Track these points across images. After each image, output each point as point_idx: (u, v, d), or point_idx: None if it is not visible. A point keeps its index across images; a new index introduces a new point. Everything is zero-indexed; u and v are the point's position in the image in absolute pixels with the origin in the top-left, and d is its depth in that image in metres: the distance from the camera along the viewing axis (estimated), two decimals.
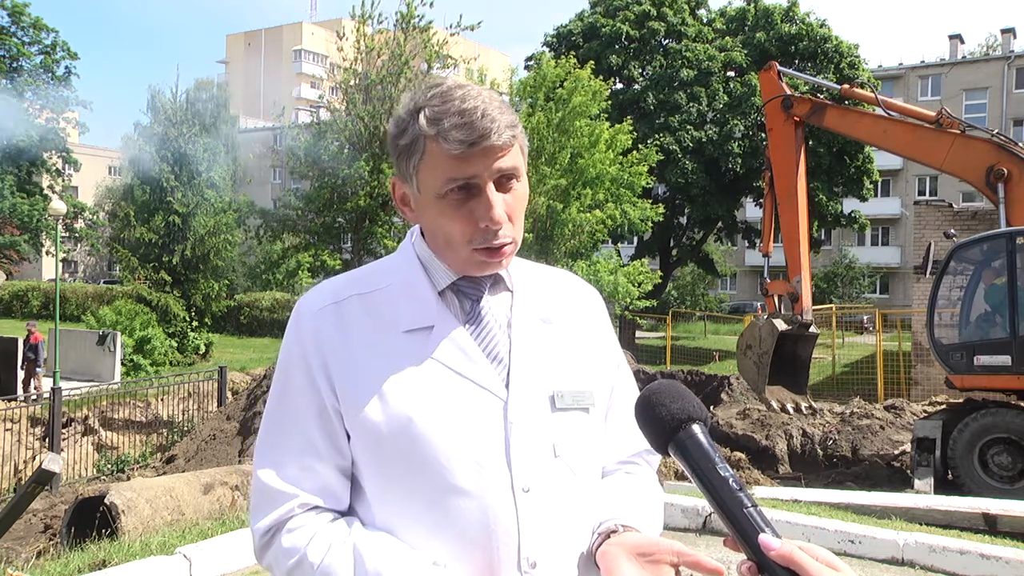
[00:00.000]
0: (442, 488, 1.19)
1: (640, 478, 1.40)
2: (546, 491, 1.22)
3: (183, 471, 9.48)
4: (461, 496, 1.19)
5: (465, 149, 1.18)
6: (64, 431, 12.82)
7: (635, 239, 31.01)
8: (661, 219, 22.79)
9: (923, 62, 48.02)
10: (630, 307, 21.04)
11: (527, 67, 27.99)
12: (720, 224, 31.35)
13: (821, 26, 28.87)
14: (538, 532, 1.21)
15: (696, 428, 1.06)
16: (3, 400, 13.73)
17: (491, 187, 1.20)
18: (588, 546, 1.27)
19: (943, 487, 8.76)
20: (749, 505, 0.98)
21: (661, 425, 1.07)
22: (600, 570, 1.21)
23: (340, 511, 1.26)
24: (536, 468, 1.22)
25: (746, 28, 30.29)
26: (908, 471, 9.60)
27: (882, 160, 32.23)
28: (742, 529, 0.98)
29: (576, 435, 1.28)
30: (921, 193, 43.78)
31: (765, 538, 0.95)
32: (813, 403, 12.45)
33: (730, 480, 1.01)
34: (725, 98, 28.56)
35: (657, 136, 25.92)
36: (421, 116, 1.21)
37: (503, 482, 1.20)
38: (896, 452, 10.37)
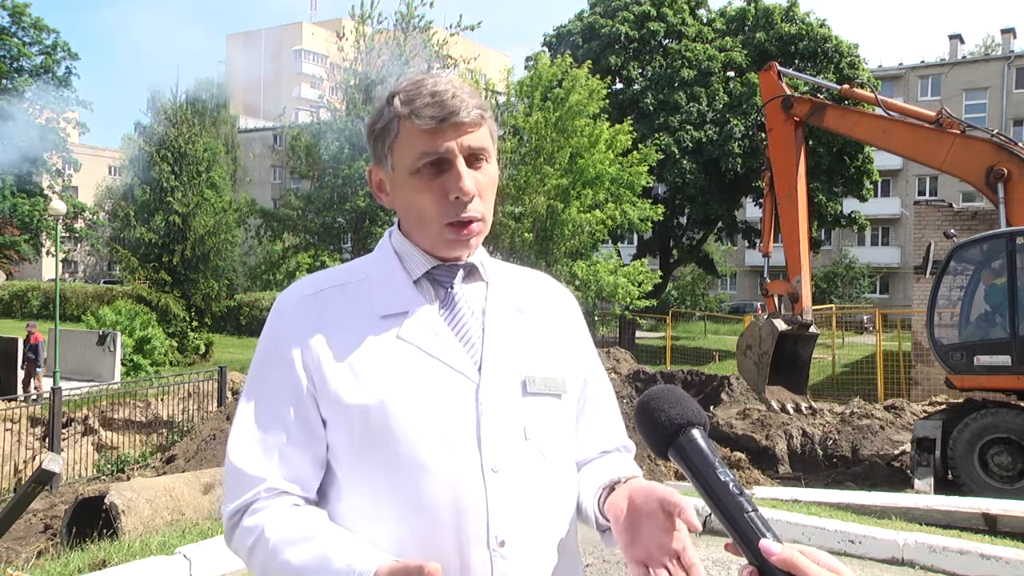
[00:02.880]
0: (412, 467, 1.22)
1: (624, 458, 1.45)
2: (515, 472, 1.25)
3: (183, 471, 9.48)
4: (431, 475, 1.22)
5: (436, 124, 1.25)
6: (64, 431, 12.80)
7: (635, 239, 30.99)
8: (661, 219, 22.79)
9: (923, 62, 48.01)
10: (630, 307, 21.04)
11: (527, 67, 27.98)
12: (720, 224, 31.36)
13: (821, 26, 28.87)
14: (507, 511, 1.23)
15: (696, 432, 1.07)
16: (3, 400, 13.72)
17: (461, 161, 1.27)
18: (593, 503, 1.31)
19: (943, 487, 8.76)
20: (750, 510, 0.99)
21: (661, 430, 1.08)
22: (610, 517, 1.24)
23: (307, 497, 1.29)
24: (506, 449, 1.25)
25: (746, 28, 30.28)
26: (908, 471, 9.61)
27: (882, 160, 32.22)
28: (743, 534, 0.98)
29: (547, 420, 1.31)
30: (921, 193, 43.78)
31: (766, 543, 0.95)
32: (813, 403, 12.45)
33: (730, 484, 1.01)
34: (725, 98, 28.55)
35: (657, 136, 25.92)
36: (395, 100, 1.29)
37: (472, 462, 1.23)
38: (896, 452, 10.38)
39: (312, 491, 1.30)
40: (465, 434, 1.24)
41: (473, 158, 1.28)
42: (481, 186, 1.29)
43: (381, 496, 1.23)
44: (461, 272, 1.34)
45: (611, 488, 1.29)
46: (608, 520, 1.26)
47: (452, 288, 1.33)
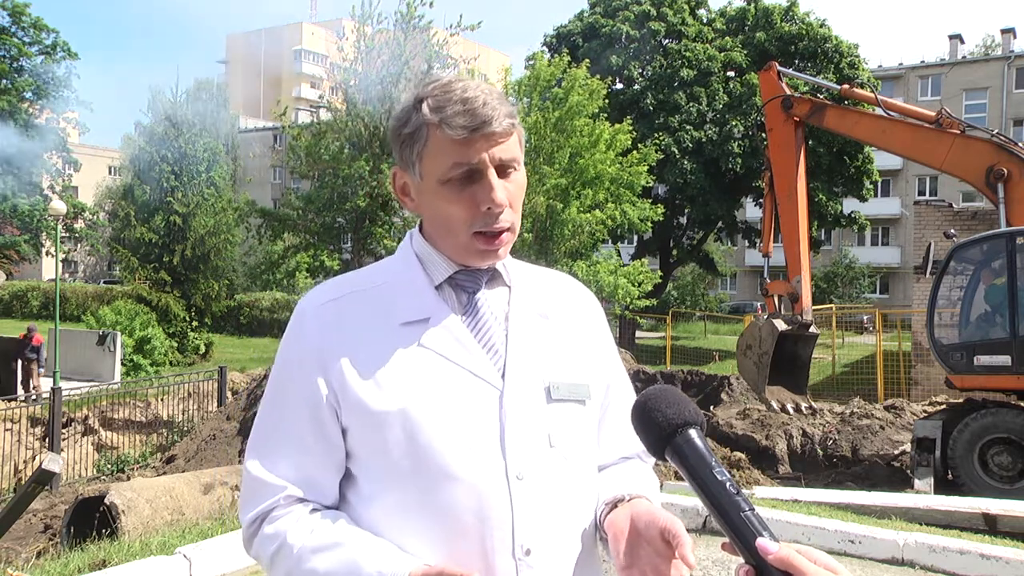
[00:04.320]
0: (437, 475, 1.21)
1: (640, 466, 1.43)
2: (540, 479, 1.24)
3: (183, 471, 9.49)
4: (455, 483, 1.20)
5: (468, 134, 1.22)
6: (64, 431, 12.81)
7: (635, 239, 30.97)
8: (661, 219, 22.79)
9: (923, 62, 48.00)
10: (630, 307, 21.04)
11: (527, 67, 27.99)
12: (720, 224, 31.35)
13: (821, 26, 28.86)
14: (532, 519, 1.22)
15: (692, 433, 1.07)
16: (3, 400, 13.73)
17: (492, 172, 1.24)
18: (594, 517, 1.30)
19: (943, 487, 8.75)
20: (746, 509, 0.99)
21: (658, 430, 1.08)
22: (608, 536, 1.23)
23: (326, 505, 1.28)
24: (530, 457, 1.24)
25: (746, 28, 30.27)
26: (908, 471, 9.60)
27: (882, 160, 32.22)
28: (740, 533, 0.98)
29: (571, 426, 1.30)
30: (921, 193, 43.78)
31: (763, 542, 0.95)
32: (813, 403, 12.44)
33: (727, 484, 1.01)
34: (725, 98, 28.54)
35: (657, 136, 25.91)
36: (424, 105, 1.26)
37: (497, 470, 1.22)
38: (896, 452, 10.37)
39: (331, 499, 1.29)
40: (489, 442, 1.23)
41: (503, 168, 1.26)
42: (511, 195, 1.27)
43: (405, 505, 1.22)
44: (484, 278, 1.33)
45: (614, 504, 1.27)
46: (607, 534, 1.25)
47: (475, 294, 1.32)
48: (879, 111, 11.81)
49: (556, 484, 1.25)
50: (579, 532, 1.28)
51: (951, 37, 48.66)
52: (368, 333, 1.27)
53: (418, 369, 1.24)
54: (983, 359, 9.15)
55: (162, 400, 14.18)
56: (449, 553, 1.20)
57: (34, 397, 16.83)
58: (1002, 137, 10.84)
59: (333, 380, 1.25)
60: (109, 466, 12.69)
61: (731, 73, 29.49)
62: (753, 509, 0.99)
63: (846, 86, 13.67)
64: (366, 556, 1.17)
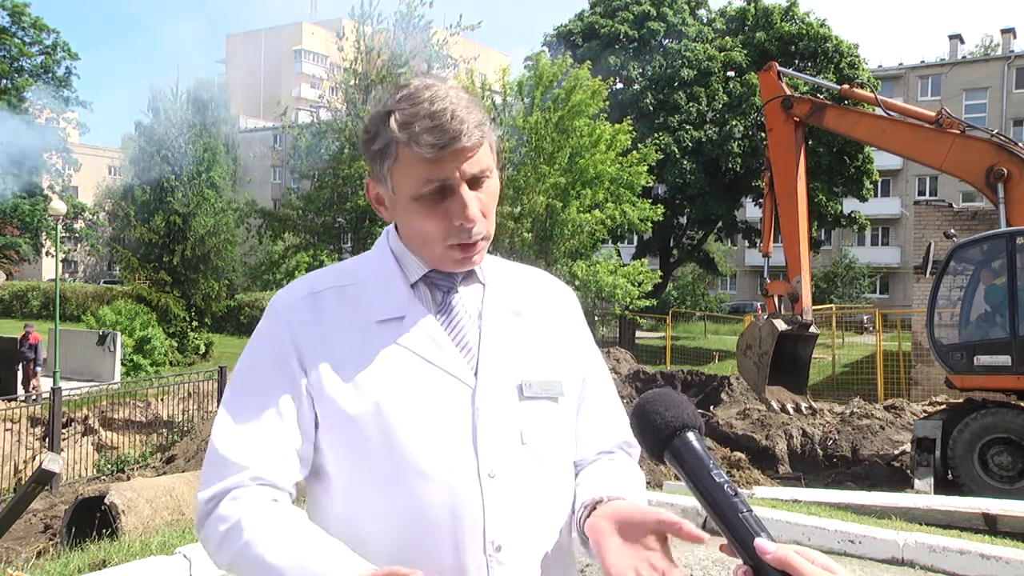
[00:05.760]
0: (408, 473, 1.21)
1: (621, 462, 1.42)
2: (512, 477, 1.24)
3: (183, 471, 9.49)
4: (427, 481, 1.21)
5: (437, 152, 1.20)
6: (64, 431, 12.78)
7: (635, 239, 30.97)
8: (661, 219, 22.79)
9: (923, 62, 48.00)
10: (630, 307, 21.05)
11: (526, 67, 28.00)
12: (720, 224, 31.36)
13: (821, 26, 28.86)
14: (504, 517, 1.23)
15: (691, 435, 1.07)
16: (3, 400, 13.72)
17: (464, 187, 1.23)
18: (574, 520, 1.29)
19: (943, 487, 8.76)
20: (744, 510, 0.99)
21: (656, 433, 1.08)
22: (589, 541, 1.22)
23: (287, 491, 1.26)
24: (502, 454, 1.25)
25: (746, 28, 30.28)
26: (908, 471, 9.60)
27: (882, 160, 32.21)
28: (738, 534, 0.98)
29: (544, 423, 1.30)
30: (921, 193, 43.77)
31: (761, 542, 0.95)
32: (813, 403, 12.45)
33: (725, 486, 1.02)
34: (725, 98, 28.55)
35: (657, 136, 25.92)
36: (392, 120, 1.23)
37: (469, 467, 1.22)
38: (896, 452, 10.38)
39: (291, 486, 1.27)
40: (462, 439, 1.23)
41: (476, 179, 1.25)
42: (485, 206, 1.27)
43: (377, 501, 1.22)
44: (459, 276, 1.34)
45: (593, 507, 1.26)
46: (588, 538, 1.23)
47: (450, 292, 1.33)
48: (879, 111, 11.82)
49: (528, 481, 1.26)
50: (551, 528, 1.28)
51: (951, 37, 48.65)
52: (344, 330, 1.28)
53: (392, 367, 1.25)
54: (983, 359, 9.15)
55: (162, 400, 14.16)
56: (420, 549, 1.20)
57: (34, 397, 16.83)
58: (1002, 137, 10.85)
59: (308, 372, 1.25)
60: (109, 466, 12.68)
61: (731, 73, 29.49)
62: (751, 510, 0.99)
63: (846, 86, 13.68)
64: (316, 556, 1.14)
